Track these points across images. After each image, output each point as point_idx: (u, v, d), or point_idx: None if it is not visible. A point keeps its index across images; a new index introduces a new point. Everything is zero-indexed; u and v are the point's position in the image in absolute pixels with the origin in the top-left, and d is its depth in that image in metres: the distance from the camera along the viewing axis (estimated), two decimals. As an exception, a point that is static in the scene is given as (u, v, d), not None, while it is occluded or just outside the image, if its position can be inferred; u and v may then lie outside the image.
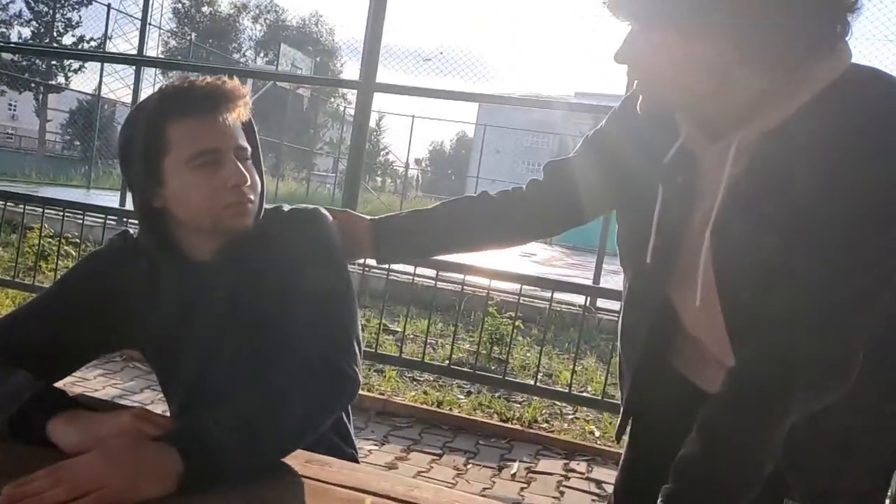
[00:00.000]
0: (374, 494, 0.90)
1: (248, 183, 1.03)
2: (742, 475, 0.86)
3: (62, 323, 1.08)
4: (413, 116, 22.09)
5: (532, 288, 5.53)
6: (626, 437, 1.31)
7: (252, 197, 1.05)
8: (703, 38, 0.82)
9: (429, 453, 3.21)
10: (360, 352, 1.04)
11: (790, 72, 0.84)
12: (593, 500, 2.89)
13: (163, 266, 1.09)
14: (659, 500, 0.89)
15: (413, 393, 4.03)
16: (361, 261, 3.73)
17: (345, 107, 29.72)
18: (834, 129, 0.81)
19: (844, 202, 0.81)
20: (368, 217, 1.29)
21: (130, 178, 1.05)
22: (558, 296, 6.88)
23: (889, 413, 1.00)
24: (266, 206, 1.14)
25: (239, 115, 1.04)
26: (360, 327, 1.07)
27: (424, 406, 3.79)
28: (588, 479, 3.11)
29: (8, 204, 5.02)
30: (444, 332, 5.83)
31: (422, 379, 4.40)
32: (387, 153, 35.58)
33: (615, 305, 6.73)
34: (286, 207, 1.15)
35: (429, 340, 5.17)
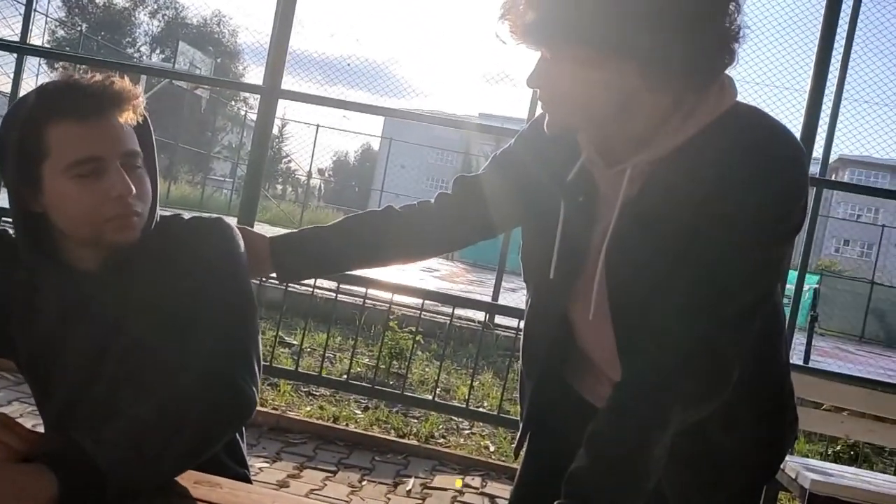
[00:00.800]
0: (268, 516, 0.86)
1: (135, 193, 0.95)
2: (626, 487, 0.89)
3: None
4: (318, 126, 21.79)
5: (433, 303, 5.57)
6: (523, 453, 1.33)
7: (139, 209, 0.97)
8: (609, 65, 0.86)
9: (323, 470, 3.13)
10: (258, 370, 0.98)
11: (685, 102, 0.90)
12: (487, 515, 2.92)
13: (43, 274, 1.00)
14: None
15: (309, 408, 3.93)
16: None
17: (245, 111, 28.91)
18: (719, 157, 0.89)
19: (727, 223, 0.88)
20: (268, 235, 1.24)
21: (6, 180, 0.95)
22: (458, 311, 6.96)
23: (761, 434, 1.08)
24: (163, 212, 1.08)
25: (129, 117, 0.96)
26: (259, 345, 1.01)
27: (320, 421, 3.70)
28: (482, 493, 3.14)
29: None
30: (342, 345, 5.74)
31: (318, 394, 4.29)
32: (289, 161, 34.82)
33: (513, 322, 6.88)
34: (186, 216, 1.08)
35: (327, 354, 5.06)
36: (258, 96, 3.82)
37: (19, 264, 1.00)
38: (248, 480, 1.15)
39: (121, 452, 0.79)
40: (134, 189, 0.94)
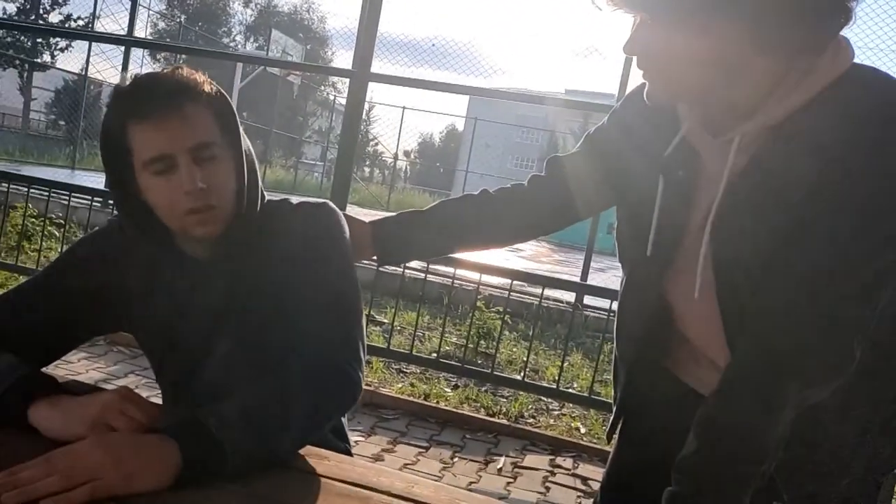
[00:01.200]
0: (373, 490, 0.87)
1: (204, 187, 0.94)
2: (739, 473, 0.86)
3: (55, 305, 1.05)
4: (403, 108, 22.01)
5: (520, 283, 5.54)
6: (616, 436, 1.31)
7: (213, 201, 0.96)
8: (715, 27, 0.81)
9: (415, 446, 3.19)
10: (364, 354, 1.00)
11: (797, 66, 0.83)
12: (579, 497, 2.89)
13: (159, 260, 1.06)
14: (663, 502, 0.89)
15: (400, 385, 4.01)
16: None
17: (335, 96, 29.56)
18: (836, 125, 0.82)
19: (845, 196, 0.81)
20: (368, 220, 1.26)
21: (114, 177, 1.00)
22: (546, 292, 6.90)
23: (878, 423, 1.01)
24: (273, 197, 1.10)
25: (195, 107, 0.95)
26: (364, 329, 1.03)
27: (411, 398, 3.77)
28: (574, 475, 3.11)
29: (-9, 182, 4.93)
30: (430, 324, 5.82)
31: (408, 371, 4.38)
32: (376, 144, 35.42)
33: (601, 303, 6.76)
34: (294, 200, 1.10)
35: (416, 333, 5.15)
36: (347, 81, 3.88)
37: (139, 250, 1.06)
38: (349, 454, 1.18)
39: (238, 430, 0.82)
40: (200, 183, 0.94)
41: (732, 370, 0.89)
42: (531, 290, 6.46)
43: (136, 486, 0.75)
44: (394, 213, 1.30)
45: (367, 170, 34.87)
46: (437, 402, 3.79)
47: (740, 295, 0.91)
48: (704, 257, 0.93)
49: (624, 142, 1.09)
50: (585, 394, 3.76)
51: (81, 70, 15.76)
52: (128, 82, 0.95)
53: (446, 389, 4.09)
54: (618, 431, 1.29)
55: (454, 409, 3.69)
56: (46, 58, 23.45)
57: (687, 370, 1.11)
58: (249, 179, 1.02)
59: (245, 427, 0.83)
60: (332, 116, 26.31)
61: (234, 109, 1.03)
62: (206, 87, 0.97)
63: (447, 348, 4.81)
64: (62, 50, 23.15)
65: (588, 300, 6.31)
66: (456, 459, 3.10)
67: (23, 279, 4.64)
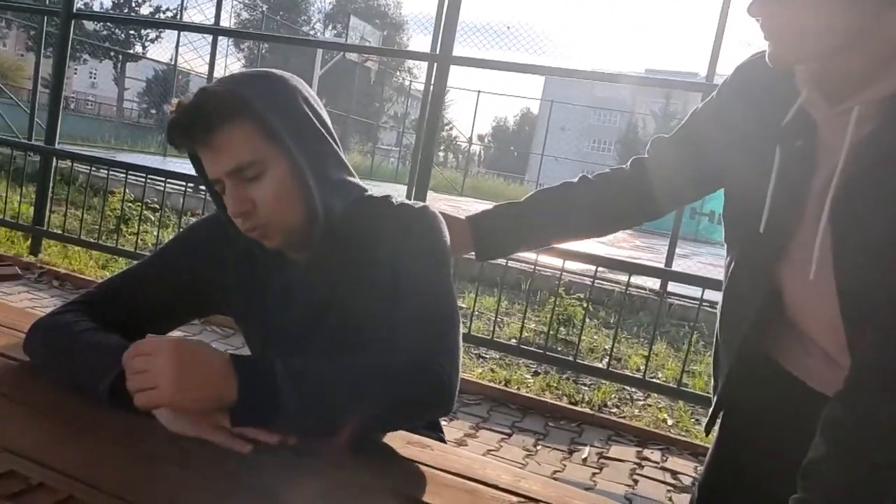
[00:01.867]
0: (480, 482, 0.85)
1: (243, 210, 0.93)
2: (879, 478, 0.78)
3: (161, 287, 1.07)
4: (479, 91, 21.89)
5: (601, 270, 5.40)
6: (715, 430, 1.24)
7: (264, 218, 0.94)
8: None
9: (498, 432, 3.17)
10: (458, 360, 0.94)
11: None
12: (669, 491, 2.80)
13: (258, 256, 1.05)
14: None
15: (480, 370, 4.00)
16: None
17: (410, 81, 29.72)
18: None
19: None
20: (465, 216, 1.23)
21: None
22: (626, 278, 6.73)
23: None
24: (375, 193, 1.07)
25: (231, 129, 0.91)
26: (460, 335, 0.97)
27: (492, 384, 3.75)
28: (663, 468, 3.02)
29: (91, 168, 5.20)
30: (508, 310, 5.77)
31: (487, 356, 4.36)
32: (450, 128, 35.45)
33: (687, 291, 6.52)
34: (395, 200, 1.05)
35: (493, 318, 5.12)
36: (423, 66, 3.87)
37: (241, 238, 1.06)
38: (443, 442, 1.16)
39: (300, 389, 0.82)
40: (243, 206, 0.93)
41: (862, 364, 0.81)
42: (612, 276, 6.31)
43: (186, 404, 0.81)
44: (489, 207, 1.26)
45: (441, 154, 34.97)
46: (518, 389, 3.75)
47: (861, 278, 0.84)
48: (823, 232, 0.86)
49: (735, 114, 1.03)
50: (672, 384, 3.63)
51: (170, 60, 16.45)
52: (172, 109, 0.93)
53: (526, 376, 4.04)
54: (717, 425, 1.22)
55: (536, 397, 3.64)
56: (138, 49, 24.62)
57: (796, 360, 1.03)
58: (318, 181, 0.95)
59: (309, 390, 0.82)
60: (408, 102, 26.49)
61: (297, 110, 0.95)
62: (244, 102, 0.91)
63: (526, 334, 4.76)
64: (152, 41, 24.25)
65: (672, 287, 6.10)
66: (539, 447, 3.06)
67: (122, 261, 4.89)
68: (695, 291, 6.39)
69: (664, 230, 17.56)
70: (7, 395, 0.89)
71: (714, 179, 1.15)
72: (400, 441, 0.94)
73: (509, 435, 3.17)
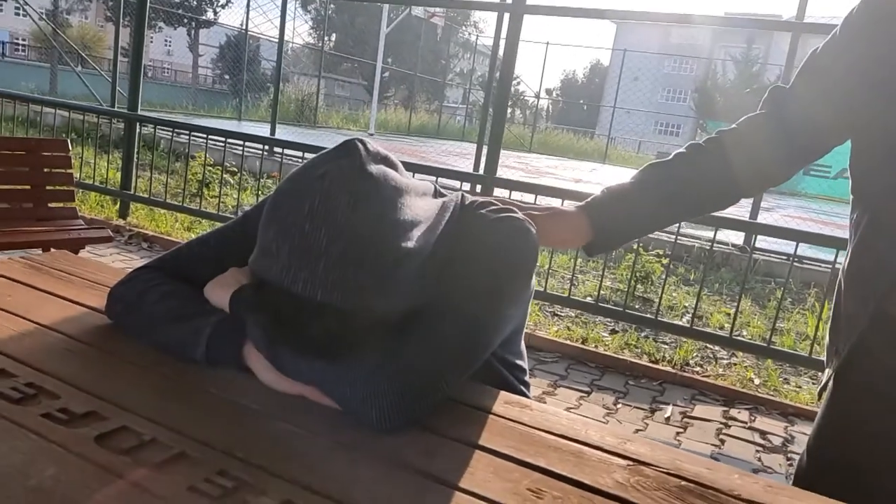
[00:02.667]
0: (584, 444, 0.82)
1: None
2: None
3: (234, 252, 1.06)
4: (547, 43, 21.28)
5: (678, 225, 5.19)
6: (827, 393, 1.16)
7: None
8: None
9: (576, 390, 3.14)
10: (417, 409, 0.79)
11: None
12: (758, 451, 2.71)
13: None
14: None
15: (556, 328, 3.96)
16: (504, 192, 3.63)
17: (477, 36, 29.19)
18: None
19: None
20: (576, 207, 1.13)
21: None
22: (707, 234, 6.48)
23: None
24: (476, 198, 0.97)
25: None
26: (471, 366, 0.87)
27: (569, 342, 3.70)
28: (751, 428, 2.92)
29: (173, 133, 5.36)
30: (582, 268, 5.68)
31: (563, 314, 4.31)
32: (517, 83, 34.74)
33: (772, 245, 6.24)
34: (492, 215, 0.93)
35: (567, 276, 5.04)
36: (489, 20, 3.75)
37: None
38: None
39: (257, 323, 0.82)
40: None
41: None
42: (689, 231, 6.09)
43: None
44: (600, 193, 1.14)
45: (508, 110, 34.43)
46: (596, 347, 3.70)
47: None
48: None
49: (870, 51, 0.92)
50: (760, 343, 3.49)
51: (241, 25, 16.69)
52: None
53: (603, 334, 3.98)
54: (829, 389, 1.15)
55: (614, 355, 3.58)
56: (210, 15, 25.10)
57: None
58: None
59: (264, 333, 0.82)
60: (474, 57, 26.08)
61: (382, 178, 0.80)
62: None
63: (602, 292, 4.67)
64: (223, 6, 24.64)
65: (753, 242, 5.84)
66: (619, 405, 3.01)
67: (206, 223, 5.07)
68: (780, 246, 6.14)
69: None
70: (114, 352, 0.91)
71: (840, 130, 1.05)
72: (498, 401, 0.92)
73: (588, 393, 3.13)
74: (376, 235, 0.75)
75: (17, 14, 26.46)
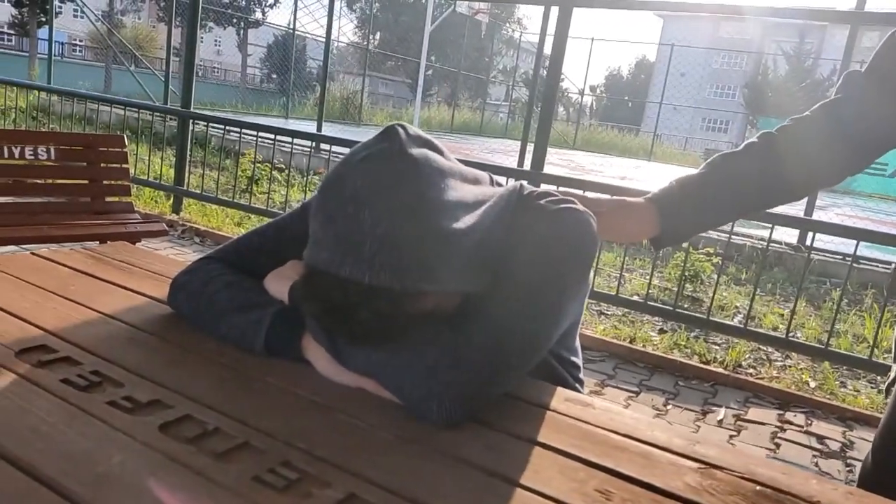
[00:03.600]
0: (651, 445, 0.79)
1: None
2: None
3: (297, 244, 1.05)
4: (592, 39, 21.01)
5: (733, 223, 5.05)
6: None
7: None
8: None
9: (625, 390, 3.08)
10: (474, 405, 0.79)
11: None
12: (815, 457, 2.62)
13: None
14: None
15: (602, 327, 3.89)
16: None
17: (521, 32, 29.01)
18: None
19: None
20: (644, 199, 1.11)
21: None
22: (758, 232, 6.29)
23: None
24: (535, 189, 0.95)
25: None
26: (525, 366, 0.85)
27: (616, 341, 3.64)
28: (807, 433, 2.82)
29: (224, 130, 5.45)
30: (629, 265, 5.58)
31: (609, 313, 4.23)
32: (561, 79, 34.37)
33: (828, 245, 6.02)
34: (552, 205, 0.90)
35: (613, 274, 4.96)
36: (533, 16, 3.70)
37: None
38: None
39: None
40: None
41: None
42: (740, 229, 5.93)
43: None
44: (668, 184, 1.11)
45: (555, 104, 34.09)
46: (644, 346, 3.62)
47: None
48: None
49: None
50: (817, 344, 3.37)
51: (288, 24, 16.93)
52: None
53: (651, 333, 3.90)
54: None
55: (664, 355, 3.50)
56: (258, 15, 25.55)
57: None
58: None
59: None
60: (518, 54, 25.93)
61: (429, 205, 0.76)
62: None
63: (650, 291, 4.58)
64: (271, 6, 25.04)
65: (809, 241, 5.65)
66: (670, 407, 2.95)
67: (255, 218, 5.15)
68: (836, 245, 5.92)
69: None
70: (175, 342, 0.92)
71: None
72: (557, 397, 0.89)
73: (637, 393, 3.07)
74: (419, 215, 0.74)
75: (75, 16, 27.38)
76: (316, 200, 0.77)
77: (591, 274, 0.98)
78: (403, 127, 0.79)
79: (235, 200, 5.11)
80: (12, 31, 25.27)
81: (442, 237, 0.74)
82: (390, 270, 0.71)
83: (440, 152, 0.83)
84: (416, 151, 0.77)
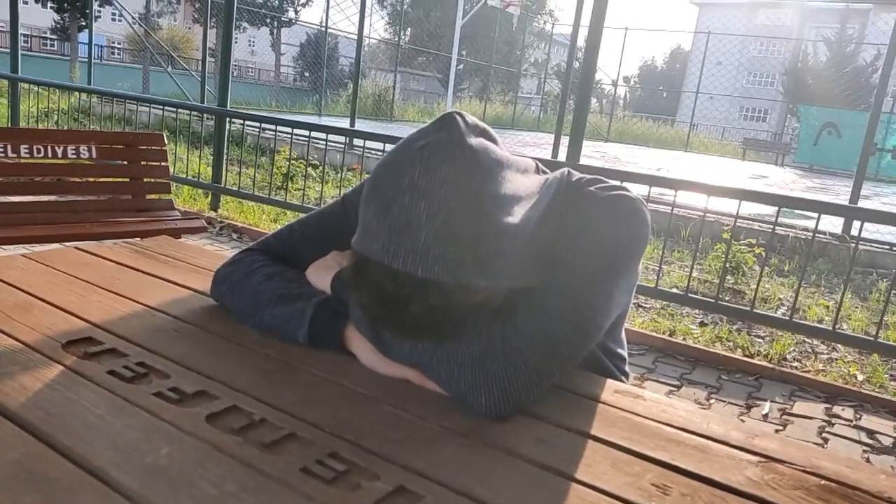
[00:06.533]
0: (706, 437, 0.76)
1: None
2: None
3: (339, 235, 1.04)
4: (626, 29, 20.68)
5: (770, 214, 4.91)
6: None
7: None
8: None
9: (665, 384, 3.03)
10: (529, 395, 0.77)
11: None
12: (865, 452, 2.53)
13: None
14: None
15: (641, 320, 3.83)
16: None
17: (553, 24, 28.73)
18: None
19: None
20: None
21: None
22: (802, 222, 6.13)
23: None
24: (583, 175, 0.92)
25: None
26: (584, 348, 0.82)
27: (655, 334, 3.57)
28: (856, 427, 2.73)
29: (260, 128, 5.50)
30: (666, 258, 5.48)
31: (647, 306, 4.16)
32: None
33: (872, 234, 5.84)
34: (603, 192, 0.88)
35: (652, 266, 4.88)
36: (564, 10, 3.64)
37: None
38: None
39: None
40: None
41: None
42: (782, 220, 5.77)
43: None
44: None
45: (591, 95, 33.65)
46: (685, 339, 3.55)
47: None
48: None
49: None
50: (865, 336, 3.26)
51: (320, 23, 17.04)
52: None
53: (692, 326, 3.82)
54: None
55: (706, 348, 3.43)
56: (291, 14, 25.78)
57: None
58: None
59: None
60: (549, 47, 25.66)
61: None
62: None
63: (690, 283, 4.49)
64: (303, 5, 25.23)
65: (855, 231, 5.48)
66: (713, 401, 2.88)
67: (291, 214, 5.19)
68: (882, 235, 5.73)
69: (836, 169, 15.86)
70: (219, 333, 0.92)
71: None
72: (607, 389, 0.87)
73: (678, 387, 3.01)
74: (477, 210, 0.72)
75: (114, 19, 28.00)
76: (369, 186, 0.76)
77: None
78: (461, 115, 0.77)
79: (271, 197, 5.15)
80: (54, 36, 25.95)
81: (498, 232, 0.72)
82: (444, 264, 0.70)
83: (495, 141, 0.81)
84: (475, 141, 0.75)
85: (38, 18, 27.07)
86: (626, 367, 1.13)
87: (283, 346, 0.88)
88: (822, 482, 0.68)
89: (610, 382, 0.89)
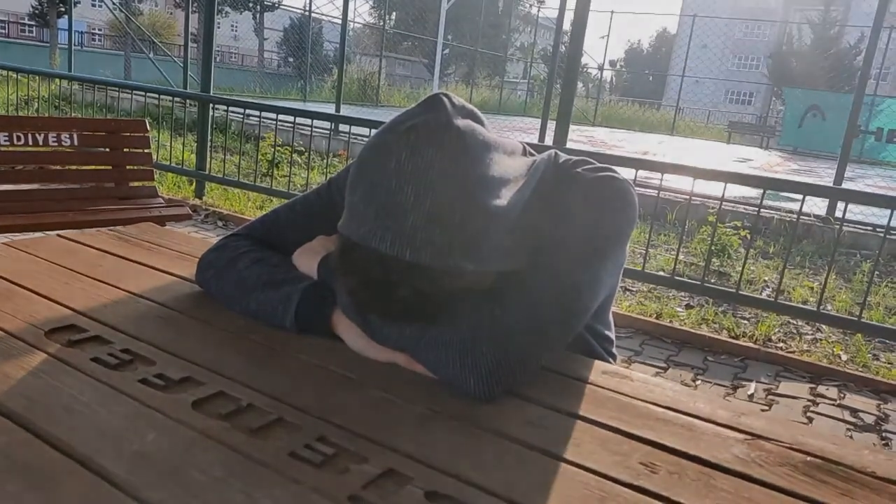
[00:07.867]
0: (695, 416, 0.76)
1: None
2: None
3: (325, 219, 1.03)
4: (612, 12, 20.63)
5: (753, 196, 4.94)
6: None
7: None
8: None
9: (652, 366, 3.05)
10: (522, 373, 0.77)
11: None
12: (849, 430, 2.57)
13: None
14: None
15: (628, 303, 3.85)
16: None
17: (538, 8, 28.62)
18: None
19: None
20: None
21: None
22: (787, 205, 6.17)
23: None
24: (570, 157, 0.91)
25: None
26: (575, 327, 0.83)
27: (642, 317, 3.60)
28: (840, 406, 2.77)
29: (244, 114, 5.44)
30: (654, 241, 5.51)
31: (634, 289, 4.19)
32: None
33: (855, 216, 5.90)
34: (589, 173, 0.87)
35: (638, 250, 4.90)
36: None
37: None
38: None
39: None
40: None
41: None
42: (767, 202, 5.82)
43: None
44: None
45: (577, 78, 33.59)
46: (671, 322, 3.58)
47: None
48: None
49: None
50: (849, 317, 3.30)
51: (304, 7, 16.85)
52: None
53: (678, 309, 3.85)
54: None
55: (691, 330, 3.46)
56: (274, -2, 25.44)
57: None
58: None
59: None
60: (535, 31, 25.56)
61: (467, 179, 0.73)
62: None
63: (674, 266, 4.52)
64: (286, -11, 24.89)
65: (839, 213, 5.53)
66: (699, 382, 2.91)
67: (277, 201, 5.15)
68: (865, 216, 5.79)
69: (821, 151, 15.96)
70: (205, 319, 0.91)
71: None
72: (595, 370, 0.87)
73: (665, 369, 3.03)
74: (464, 193, 0.71)
75: (94, 5, 27.53)
76: (356, 170, 0.75)
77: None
78: (448, 96, 0.76)
79: (257, 184, 5.12)
80: (33, 23, 25.49)
81: (486, 216, 0.72)
82: (432, 248, 0.69)
83: (482, 123, 0.80)
84: (462, 123, 0.74)
85: (16, 4, 26.58)
86: (614, 350, 1.13)
87: (270, 332, 0.87)
88: (808, 459, 0.69)
89: (598, 364, 0.90)
